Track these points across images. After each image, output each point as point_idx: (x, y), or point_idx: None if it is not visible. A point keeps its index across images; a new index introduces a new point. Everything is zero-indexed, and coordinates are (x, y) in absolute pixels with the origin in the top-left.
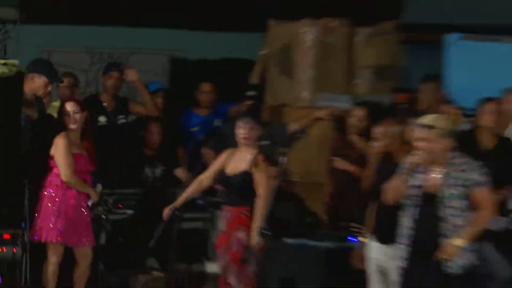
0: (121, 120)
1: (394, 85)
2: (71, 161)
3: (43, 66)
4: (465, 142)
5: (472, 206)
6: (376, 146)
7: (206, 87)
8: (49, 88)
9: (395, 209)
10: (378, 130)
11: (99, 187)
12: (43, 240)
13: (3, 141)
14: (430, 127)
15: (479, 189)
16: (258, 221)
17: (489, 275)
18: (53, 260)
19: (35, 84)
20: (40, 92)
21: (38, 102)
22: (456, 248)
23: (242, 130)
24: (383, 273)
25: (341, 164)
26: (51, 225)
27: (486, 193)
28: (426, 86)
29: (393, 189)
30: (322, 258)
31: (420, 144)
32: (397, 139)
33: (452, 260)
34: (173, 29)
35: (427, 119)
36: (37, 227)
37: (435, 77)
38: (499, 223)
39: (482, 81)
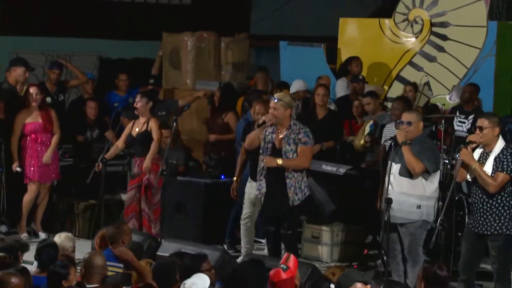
0: (61, 97)
1: (246, 75)
2: (17, 132)
3: (20, 60)
4: (307, 113)
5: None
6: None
7: (123, 76)
8: (27, 75)
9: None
10: (256, 106)
11: None
12: (27, 181)
13: None
14: (278, 100)
15: (301, 146)
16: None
17: (312, 199)
18: (31, 192)
19: (17, 72)
20: (21, 78)
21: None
22: (276, 163)
23: (134, 103)
24: (253, 202)
25: (213, 137)
26: (30, 170)
27: (305, 150)
28: (259, 74)
29: (249, 139)
30: (202, 190)
31: (271, 111)
32: (267, 108)
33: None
34: (101, 39)
35: (277, 95)
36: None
37: (264, 68)
38: (332, 168)
39: (302, 72)
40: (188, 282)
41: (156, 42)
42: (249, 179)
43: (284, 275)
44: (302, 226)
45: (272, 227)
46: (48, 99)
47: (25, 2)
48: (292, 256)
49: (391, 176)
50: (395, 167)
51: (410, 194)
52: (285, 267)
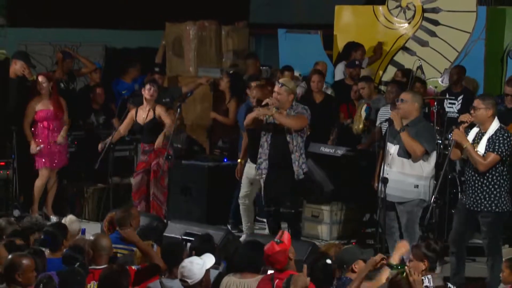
0: (72, 85)
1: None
2: (29, 119)
3: (22, 55)
4: (305, 98)
5: None
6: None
7: (137, 65)
8: (25, 71)
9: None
10: (253, 90)
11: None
12: (36, 168)
13: None
14: (282, 85)
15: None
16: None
17: (312, 179)
18: (42, 178)
19: (16, 66)
20: (19, 72)
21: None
22: (270, 113)
23: (146, 92)
24: (251, 182)
25: (213, 114)
26: (41, 156)
27: (299, 115)
28: (249, 60)
29: (248, 118)
30: (206, 172)
31: (274, 94)
32: (265, 93)
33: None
34: (107, 29)
35: (282, 80)
36: (35, 159)
37: (254, 54)
38: (330, 149)
39: (301, 58)
40: (186, 260)
41: (159, 31)
42: (248, 160)
43: (277, 247)
44: (302, 206)
45: (273, 207)
46: (61, 85)
47: None
48: (285, 232)
49: (390, 157)
50: (394, 148)
51: (408, 174)
52: (278, 241)
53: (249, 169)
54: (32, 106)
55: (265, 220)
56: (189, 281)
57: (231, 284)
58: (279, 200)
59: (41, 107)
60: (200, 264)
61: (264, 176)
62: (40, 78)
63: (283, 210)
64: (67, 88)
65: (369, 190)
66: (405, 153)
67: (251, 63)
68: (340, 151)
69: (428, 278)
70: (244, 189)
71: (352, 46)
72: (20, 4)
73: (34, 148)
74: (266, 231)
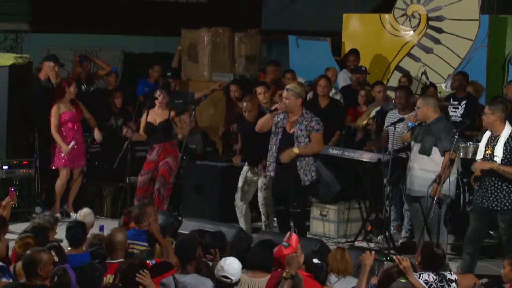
0: (91, 89)
1: (258, 67)
2: (56, 123)
3: (50, 56)
4: (311, 103)
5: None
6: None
7: (156, 68)
8: (56, 69)
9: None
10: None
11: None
12: (56, 167)
13: (20, 103)
14: (289, 90)
15: (314, 133)
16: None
17: (319, 181)
18: (63, 177)
19: (45, 66)
20: (50, 73)
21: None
22: (293, 154)
23: (157, 98)
24: (248, 183)
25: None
26: (61, 157)
27: (318, 136)
28: (270, 67)
29: (259, 123)
30: (219, 172)
31: (283, 100)
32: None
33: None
34: (125, 35)
35: (289, 85)
36: (53, 159)
37: (276, 62)
38: (338, 151)
39: (310, 64)
40: (227, 259)
41: (176, 37)
42: (245, 163)
43: (285, 251)
44: (311, 205)
45: (281, 206)
46: (83, 88)
47: (55, 1)
48: (293, 234)
49: (412, 155)
50: (416, 146)
51: (429, 170)
52: (286, 244)
53: (246, 170)
54: (57, 111)
55: (275, 218)
56: (233, 278)
57: (243, 283)
58: (287, 200)
59: (64, 109)
60: (238, 262)
61: (271, 176)
62: (66, 83)
63: (291, 209)
64: (87, 91)
65: (376, 190)
66: (425, 150)
67: (271, 70)
68: (347, 153)
69: (428, 274)
70: (239, 192)
71: (349, 52)
72: (43, 11)
73: (66, 148)
74: (277, 229)
